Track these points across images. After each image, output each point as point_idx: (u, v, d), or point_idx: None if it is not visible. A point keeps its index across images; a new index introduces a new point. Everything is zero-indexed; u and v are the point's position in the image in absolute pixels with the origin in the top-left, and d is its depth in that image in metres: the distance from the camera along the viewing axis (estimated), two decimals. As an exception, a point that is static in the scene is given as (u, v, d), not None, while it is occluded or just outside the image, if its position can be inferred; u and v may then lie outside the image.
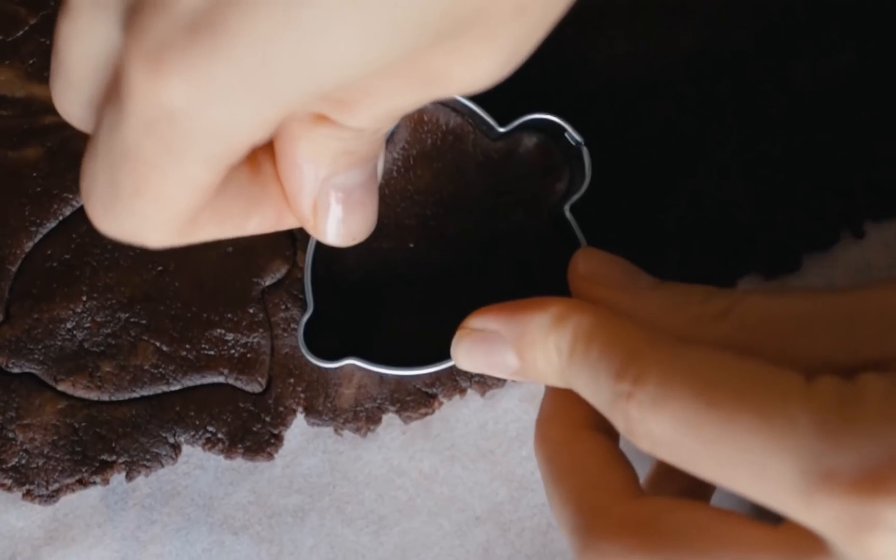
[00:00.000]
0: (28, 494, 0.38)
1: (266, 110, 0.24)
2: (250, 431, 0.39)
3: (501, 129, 0.38)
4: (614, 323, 0.30)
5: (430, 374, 0.38)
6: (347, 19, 0.22)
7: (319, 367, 0.38)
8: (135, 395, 0.39)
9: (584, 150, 0.38)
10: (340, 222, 0.30)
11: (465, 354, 0.34)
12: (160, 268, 0.39)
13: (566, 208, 0.38)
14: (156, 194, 0.25)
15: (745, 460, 0.26)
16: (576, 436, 0.32)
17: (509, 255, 0.39)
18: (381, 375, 0.38)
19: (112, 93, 0.25)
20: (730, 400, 0.26)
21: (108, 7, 0.25)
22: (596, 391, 0.30)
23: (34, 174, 0.40)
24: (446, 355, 0.36)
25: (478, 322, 0.34)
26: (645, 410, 0.28)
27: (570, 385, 0.31)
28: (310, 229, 0.30)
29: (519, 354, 0.33)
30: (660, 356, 0.28)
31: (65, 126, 0.40)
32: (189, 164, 0.25)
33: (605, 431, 0.32)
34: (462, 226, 0.39)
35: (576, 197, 0.38)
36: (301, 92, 0.24)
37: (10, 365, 0.39)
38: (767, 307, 0.30)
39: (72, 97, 0.27)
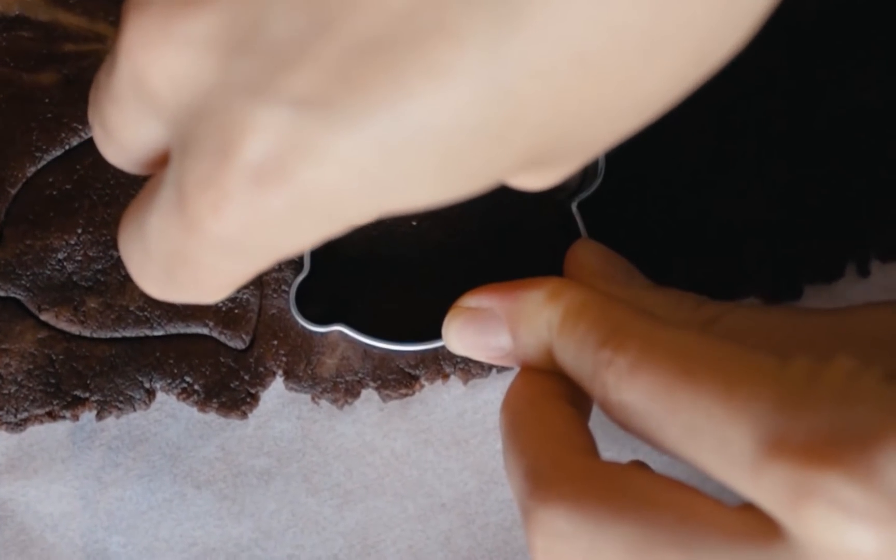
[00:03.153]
0: (-5, 419, 0.38)
1: (328, 231, 0.25)
2: (227, 387, 0.38)
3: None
4: (605, 300, 0.31)
5: (416, 351, 0.38)
6: (421, 184, 0.24)
7: (306, 330, 0.38)
8: (116, 334, 0.38)
9: None
10: None
11: (457, 333, 0.34)
12: (159, 206, 0.39)
13: (573, 205, 0.38)
14: (216, 286, 0.27)
15: (708, 429, 0.26)
16: (543, 400, 0.32)
17: (511, 245, 0.39)
18: (367, 347, 0.38)
19: (162, 191, 0.26)
20: (703, 370, 0.27)
21: (156, 112, 0.26)
22: (580, 363, 0.30)
23: (46, 100, 0.40)
24: (435, 337, 0.36)
25: (472, 300, 0.34)
26: (622, 377, 0.28)
27: (556, 361, 0.31)
28: None
29: (512, 331, 0.33)
30: (643, 330, 0.29)
31: (84, 56, 0.40)
32: (246, 266, 0.26)
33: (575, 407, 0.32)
34: (467, 210, 0.39)
35: (584, 194, 0.38)
36: (366, 218, 0.25)
37: (-4, 287, 0.39)
38: (756, 319, 0.30)
39: (123, 159, 0.28)
